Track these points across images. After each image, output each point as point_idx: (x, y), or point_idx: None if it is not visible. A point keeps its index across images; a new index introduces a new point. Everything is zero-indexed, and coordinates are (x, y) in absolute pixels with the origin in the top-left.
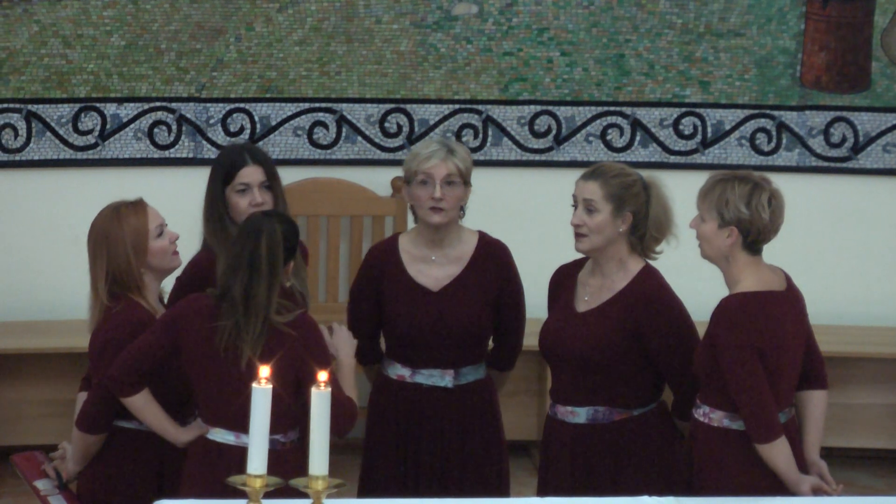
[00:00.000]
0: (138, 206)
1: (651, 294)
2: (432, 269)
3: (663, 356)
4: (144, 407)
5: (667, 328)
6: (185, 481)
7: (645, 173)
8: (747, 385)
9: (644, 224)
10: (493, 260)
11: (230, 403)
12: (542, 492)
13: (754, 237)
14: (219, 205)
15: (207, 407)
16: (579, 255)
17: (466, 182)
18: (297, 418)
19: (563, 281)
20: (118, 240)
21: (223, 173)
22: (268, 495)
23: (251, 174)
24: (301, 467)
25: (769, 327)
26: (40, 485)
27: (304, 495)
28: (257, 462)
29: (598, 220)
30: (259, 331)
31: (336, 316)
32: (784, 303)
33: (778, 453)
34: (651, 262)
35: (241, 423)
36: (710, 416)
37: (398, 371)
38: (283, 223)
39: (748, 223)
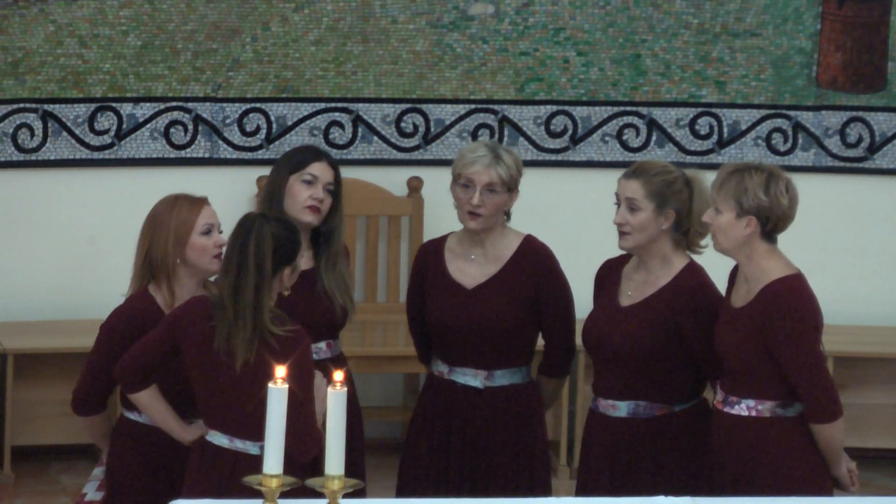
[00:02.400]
0: (195, 201)
1: (693, 290)
2: (470, 268)
3: (703, 353)
4: (150, 403)
5: (707, 325)
6: (187, 480)
7: (688, 170)
8: (812, 365)
9: (687, 220)
10: (532, 262)
11: (225, 407)
12: (582, 485)
13: (773, 225)
14: (277, 194)
15: (205, 409)
16: (589, 259)
17: (511, 189)
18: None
19: (609, 275)
20: (163, 226)
21: (294, 162)
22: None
23: (322, 169)
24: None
25: (817, 305)
26: (96, 471)
27: (319, 495)
28: (273, 462)
29: (640, 218)
30: (250, 334)
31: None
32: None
33: (838, 432)
34: (695, 257)
35: (234, 426)
36: (757, 408)
37: (439, 367)
38: (279, 226)
39: (768, 210)
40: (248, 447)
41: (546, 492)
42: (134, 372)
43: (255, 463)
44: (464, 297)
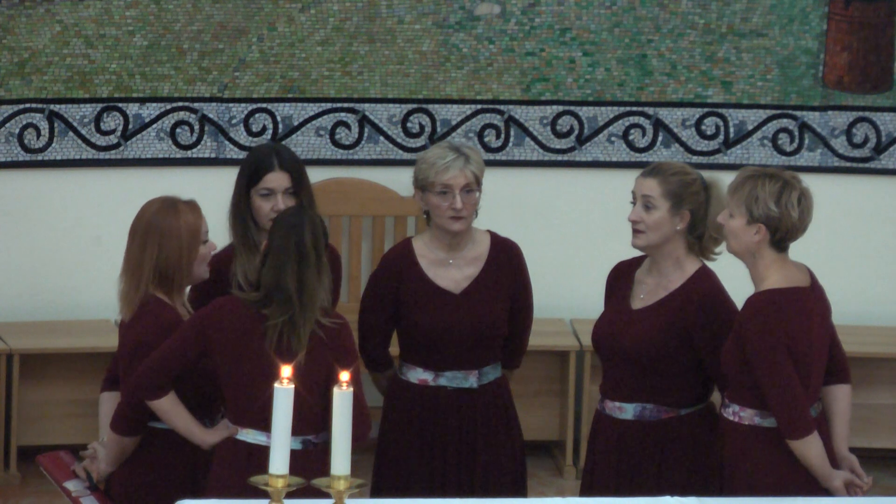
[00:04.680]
0: (195, 206)
1: (704, 295)
2: (451, 272)
3: (712, 358)
4: (171, 410)
5: (717, 330)
6: (213, 483)
7: (707, 174)
8: (778, 382)
9: (702, 224)
10: (507, 259)
11: (264, 404)
12: (587, 485)
13: (782, 235)
14: (242, 205)
15: (239, 408)
16: (595, 259)
17: (480, 184)
18: (325, 420)
19: (621, 277)
20: (174, 233)
21: (249, 174)
22: (290, 495)
23: (276, 180)
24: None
25: (798, 324)
26: (71, 486)
27: (326, 495)
28: (279, 462)
29: (655, 216)
30: (311, 325)
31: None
32: (810, 299)
33: (811, 449)
34: (709, 263)
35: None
36: (739, 414)
37: (420, 375)
38: (317, 218)
39: (777, 221)
40: (290, 443)
41: (525, 471)
42: (156, 377)
43: (295, 458)
44: (453, 302)
